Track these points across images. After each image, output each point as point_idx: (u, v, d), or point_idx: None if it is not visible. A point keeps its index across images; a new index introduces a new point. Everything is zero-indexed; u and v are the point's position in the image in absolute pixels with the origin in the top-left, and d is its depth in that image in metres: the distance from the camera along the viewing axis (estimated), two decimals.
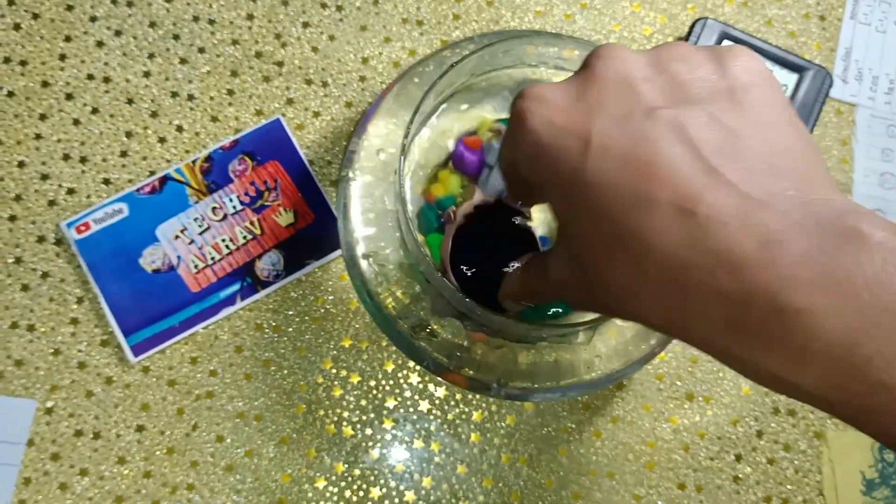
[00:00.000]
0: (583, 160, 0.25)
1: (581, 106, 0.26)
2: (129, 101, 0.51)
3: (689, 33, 0.53)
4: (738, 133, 0.24)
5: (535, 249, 0.41)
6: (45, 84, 0.51)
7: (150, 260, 0.49)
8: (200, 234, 0.50)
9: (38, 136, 0.51)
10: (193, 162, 0.51)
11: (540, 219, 0.42)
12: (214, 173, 0.50)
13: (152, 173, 0.51)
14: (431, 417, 0.50)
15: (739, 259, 0.21)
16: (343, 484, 0.49)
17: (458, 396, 0.50)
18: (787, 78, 0.53)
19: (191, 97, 0.52)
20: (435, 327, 0.44)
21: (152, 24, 0.52)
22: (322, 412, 0.50)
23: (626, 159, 0.24)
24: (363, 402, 0.50)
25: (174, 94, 0.52)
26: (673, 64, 0.26)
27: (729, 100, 0.25)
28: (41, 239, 0.50)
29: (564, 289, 0.29)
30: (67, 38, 0.52)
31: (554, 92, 0.27)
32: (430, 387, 0.50)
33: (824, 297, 0.20)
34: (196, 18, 0.53)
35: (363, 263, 0.44)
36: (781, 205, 0.22)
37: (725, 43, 0.52)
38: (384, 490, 0.49)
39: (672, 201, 0.23)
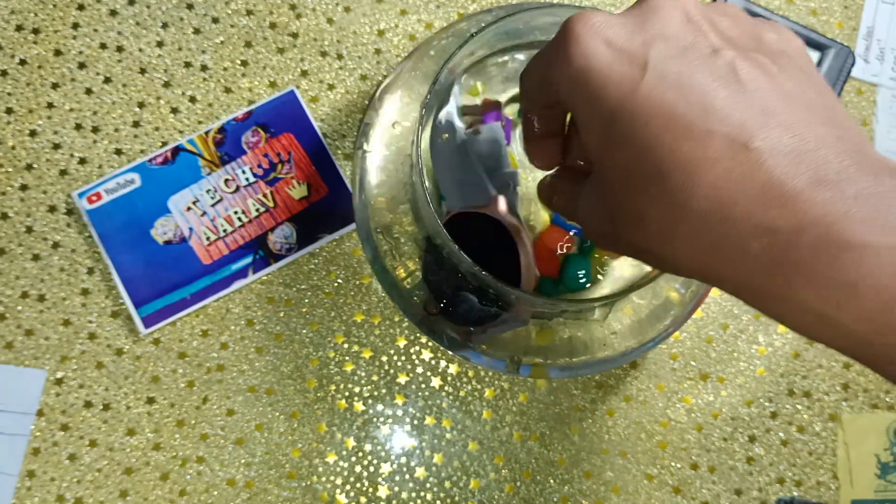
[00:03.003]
0: (635, 85, 0.24)
1: (640, 34, 0.25)
2: (142, 71, 0.51)
3: None
4: (786, 86, 0.24)
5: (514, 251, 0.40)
6: (57, 53, 0.51)
7: (161, 231, 0.49)
8: (213, 205, 0.49)
9: (50, 105, 0.50)
10: (206, 133, 0.50)
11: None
12: (227, 145, 0.50)
13: (164, 144, 0.50)
14: (443, 394, 0.50)
15: (792, 193, 0.21)
16: (353, 459, 0.49)
17: (470, 373, 0.50)
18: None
19: (204, 67, 0.51)
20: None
21: None
22: (333, 387, 0.49)
23: (684, 89, 0.24)
24: (375, 378, 0.49)
25: (187, 65, 0.51)
26: (725, 18, 0.26)
27: (774, 58, 0.25)
28: (52, 209, 0.49)
29: (591, 222, 0.29)
30: (80, 7, 0.51)
31: (610, 18, 0.26)
32: (443, 363, 0.50)
33: (880, 235, 0.20)
34: None
35: (377, 237, 0.43)
36: (833, 147, 0.22)
37: None
38: (395, 466, 0.49)
39: (727, 134, 0.23)
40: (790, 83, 0.24)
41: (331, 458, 0.49)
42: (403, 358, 0.50)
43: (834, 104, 0.25)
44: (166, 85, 0.51)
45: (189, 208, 0.49)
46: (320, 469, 0.48)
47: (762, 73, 0.24)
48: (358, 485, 0.48)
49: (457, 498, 0.49)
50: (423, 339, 0.50)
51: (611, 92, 0.25)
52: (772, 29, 0.27)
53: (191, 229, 0.49)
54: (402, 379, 0.50)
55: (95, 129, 0.50)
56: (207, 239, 0.49)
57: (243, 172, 0.50)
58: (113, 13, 0.51)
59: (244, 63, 0.51)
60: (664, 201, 0.24)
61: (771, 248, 0.22)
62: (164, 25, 0.51)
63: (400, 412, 0.49)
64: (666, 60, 0.24)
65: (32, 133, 0.50)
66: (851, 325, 0.21)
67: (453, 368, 0.50)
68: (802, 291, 0.22)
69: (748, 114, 0.23)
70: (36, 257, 0.49)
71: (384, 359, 0.50)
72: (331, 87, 0.52)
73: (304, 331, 0.50)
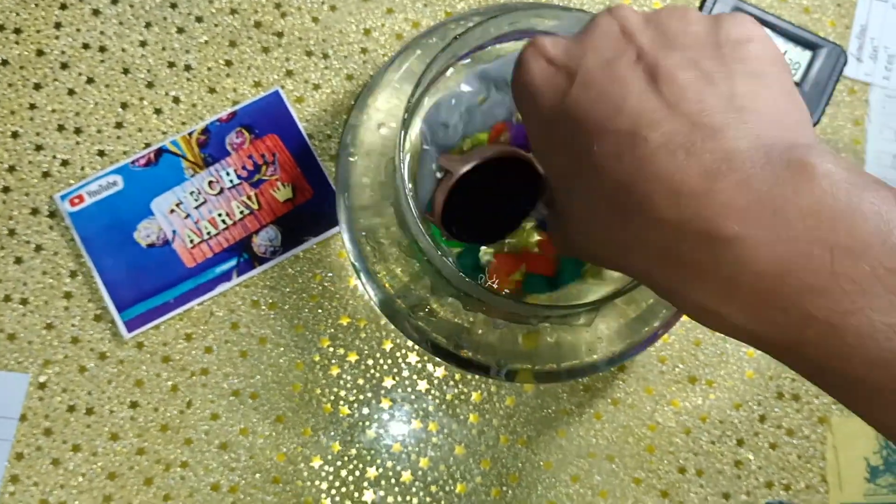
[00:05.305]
0: (564, 94, 0.26)
1: (576, 51, 0.27)
2: (125, 71, 0.50)
3: (701, 7, 0.51)
4: (712, 76, 0.24)
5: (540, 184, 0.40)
6: (39, 53, 0.50)
7: (144, 234, 0.48)
8: (196, 208, 0.49)
9: (32, 106, 0.50)
10: (190, 134, 0.49)
11: None
12: (211, 146, 0.49)
13: (148, 145, 0.50)
14: (430, 397, 0.49)
15: (679, 186, 0.22)
16: (339, 463, 0.48)
17: (456, 377, 0.49)
18: (801, 55, 0.51)
19: (188, 68, 0.51)
20: (434, 307, 0.43)
21: None
22: (319, 391, 0.49)
23: (602, 94, 0.25)
24: (360, 381, 0.49)
25: (171, 65, 0.51)
26: (670, 21, 0.27)
27: (713, 49, 0.25)
28: (35, 211, 0.49)
29: (553, 234, 0.35)
30: (63, 6, 0.50)
31: (555, 41, 0.29)
32: (429, 366, 0.49)
33: (756, 227, 0.20)
34: None
35: (362, 240, 0.43)
36: (733, 134, 0.22)
37: None
38: (381, 470, 0.48)
39: (629, 130, 0.24)
40: (725, 74, 0.25)
41: (316, 463, 0.48)
42: (389, 361, 0.49)
43: (780, 94, 0.25)
44: (149, 85, 0.50)
45: (172, 211, 0.49)
46: (305, 473, 0.48)
47: (682, 66, 0.25)
48: (343, 489, 0.48)
49: (443, 502, 0.48)
50: (409, 343, 0.49)
51: (544, 102, 0.27)
52: (730, 19, 0.27)
53: (174, 232, 0.48)
54: (388, 382, 0.49)
55: (78, 131, 0.49)
56: (191, 242, 0.48)
57: (227, 174, 0.49)
58: (96, 13, 0.51)
59: (228, 63, 0.51)
60: (581, 197, 0.26)
61: (663, 244, 0.22)
62: (148, 25, 0.51)
63: (386, 416, 0.49)
64: (593, 70, 0.26)
65: (14, 134, 0.49)
66: (736, 320, 0.22)
67: (440, 372, 0.49)
68: (691, 286, 0.22)
69: (654, 109, 0.24)
70: (18, 260, 0.48)
71: (370, 362, 0.49)
72: (316, 87, 0.51)
73: (289, 334, 0.49)
